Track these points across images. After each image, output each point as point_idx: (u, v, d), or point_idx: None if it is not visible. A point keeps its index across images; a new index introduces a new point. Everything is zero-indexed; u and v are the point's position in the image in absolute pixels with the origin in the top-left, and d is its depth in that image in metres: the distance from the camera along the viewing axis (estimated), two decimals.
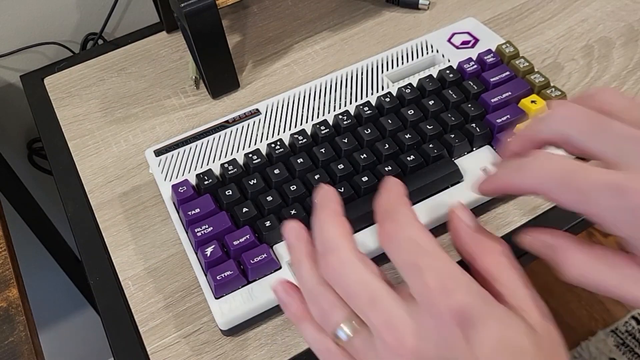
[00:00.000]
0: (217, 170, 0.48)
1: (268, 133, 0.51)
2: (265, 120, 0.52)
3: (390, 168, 0.45)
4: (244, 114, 0.52)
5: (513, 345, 0.28)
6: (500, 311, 0.29)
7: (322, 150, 0.47)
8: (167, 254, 0.49)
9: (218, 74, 0.58)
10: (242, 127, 0.51)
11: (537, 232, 0.34)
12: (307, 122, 0.51)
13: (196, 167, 0.49)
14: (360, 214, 0.43)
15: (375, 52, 0.62)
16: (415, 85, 0.52)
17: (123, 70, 0.65)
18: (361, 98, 0.52)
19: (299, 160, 0.47)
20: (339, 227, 0.33)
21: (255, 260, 0.41)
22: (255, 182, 0.46)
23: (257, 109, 0.52)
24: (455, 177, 0.46)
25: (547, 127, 0.34)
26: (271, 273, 0.42)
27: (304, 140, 0.48)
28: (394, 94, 0.51)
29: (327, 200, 0.34)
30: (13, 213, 0.81)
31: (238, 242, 0.42)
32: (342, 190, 0.45)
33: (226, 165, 0.47)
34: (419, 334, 0.28)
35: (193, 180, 0.47)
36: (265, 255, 0.42)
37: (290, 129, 0.51)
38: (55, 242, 0.90)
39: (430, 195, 0.45)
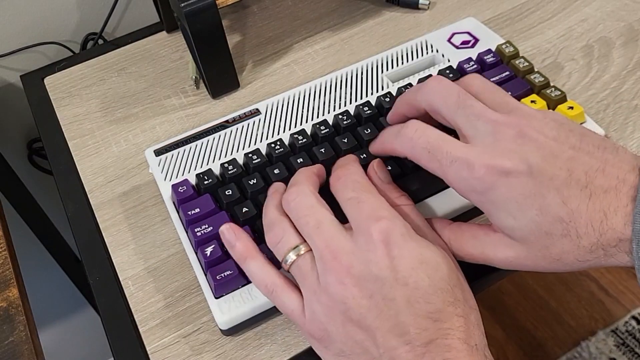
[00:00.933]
0: (217, 170, 0.48)
1: (268, 133, 0.50)
2: (265, 120, 0.51)
3: (390, 168, 0.45)
4: (244, 113, 0.52)
5: (429, 260, 0.34)
6: (418, 237, 0.35)
7: (322, 150, 0.47)
8: (167, 254, 0.49)
9: (218, 73, 0.58)
10: (242, 126, 0.51)
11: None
12: (307, 122, 0.51)
13: (196, 167, 0.48)
14: None
15: (375, 52, 0.62)
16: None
17: (123, 70, 0.65)
18: (361, 98, 0.52)
19: (298, 160, 0.47)
20: (308, 175, 0.40)
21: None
22: (255, 181, 0.46)
23: (257, 109, 0.52)
24: None
25: (420, 97, 0.40)
26: None
27: (304, 140, 0.48)
28: (394, 94, 0.51)
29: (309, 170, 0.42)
30: (13, 213, 0.81)
31: None
32: None
33: (226, 165, 0.47)
34: (353, 253, 0.34)
35: (193, 180, 0.47)
36: (265, 255, 0.42)
37: (290, 129, 0.50)
38: (55, 242, 0.90)
39: (431, 195, 0.45)
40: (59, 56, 0.73)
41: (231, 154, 0.49)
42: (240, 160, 0.48)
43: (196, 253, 0.44)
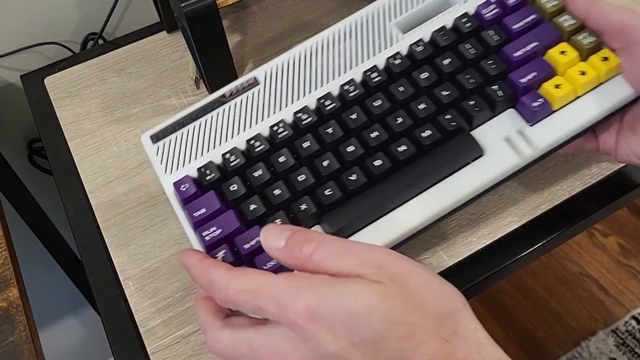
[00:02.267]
0: (218, 160, 0.44)
1: (270, 107, 0.45)
2: (265, 91, 0.46)
3: (405, 148, 0.41)
4: (242, 85, 0.46)
5: (356, 312, 0.30)
6: (333, 287, 0.31)
7: (329, 130, 0.43)
8: (167, 254, 0.49)
9: (218, 73, 0.58)
10: (241, 100, 0.46)
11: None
12: (309, 91, 0.45)
13: (196, 154, 0.44)
14: (374, 203, 0.40)
15: None
16: (427, 41, 0.46)
17: (123, 70, 0.65)
18: (367, 57, 0.46)
19: (304, 145, 0.42)
20: (204, 309, 0.37)
21: (268, 266, 0.38)
22: (260, 173, 0.42)
23: (254, 78, 0.46)
24: (475, 152, 0.41)
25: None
26: None
27: (309, 119, 0.43)
28: (404, 54, 0.45)
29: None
30: (13, 213, 0.81)
31: (249, 245, 0.39)
32: (355, 178, 0.41)
33: (227, 155, 0.43)
34: (296, 349, 0.31)
35: (194, 173, 0.43)
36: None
37: (292, 100, 0.45)
38: (56, 242, 0.90)
39: (449, 175, 0.41)
40: (59, 56, 0.73)
41: (232, 136, 0.45)
42: (242, 147, 0.44)
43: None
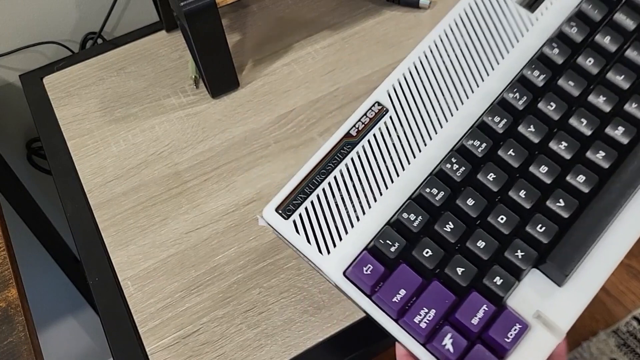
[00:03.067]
0: (381, 222, 0.35)
1: (417, 137, 0.36)
2: (398, 118, 0.37)
3: (603, 153, 0.34)
4: (367, 116, 0.37)
5: None
6: None
7: (511, 152, 0.35)
8: (166, 254, 0.48)
9: (218, 73, 0.58)
10: (374, 137, 0.36)
11: None
12: (456, 107, 0.37)
13: (349, 220, 0.35)
14: (588, 226, 0.34)
15: (376, 51, 0.62)
16: (577, 16, 0.37)
17: (122, 69, 0.65)
18: (505, 49, 0.38)
19: (489, 177, 0.34)
20: None
21: (512, 336, 0.32)
22: (452, 226, 0.34)
23: (378, 103, 0.37)
24: None
25: None
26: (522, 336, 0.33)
27: (483, 145, 0.35)
28: (561, 37, 0.37)
29: None
30: (12, 213, 0.80)
31: (477, 320, 0.32)
32: (562, 204, 0.34)
33: (406, 215, 0.34)
34: None
35: (360, 246, 0.34)
36: (518, 326, 0.32)
37: (441, 123, 0.36)
38: (55, 242, 0.89)
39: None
40: (58, 56, 0.72)
41: (385, 186, 0.35)
42: (415, 199, 0.35)
43: (429, 350, 0.32)
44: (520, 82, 0.36)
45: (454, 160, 0.35)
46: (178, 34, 0.68)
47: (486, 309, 0.32)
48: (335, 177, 0.35)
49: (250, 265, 0.47)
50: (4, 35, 0.70)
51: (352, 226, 0.34)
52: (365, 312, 0.33)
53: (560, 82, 0.36)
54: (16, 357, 0.46)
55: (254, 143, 0.56)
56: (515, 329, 0.32)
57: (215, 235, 0.49)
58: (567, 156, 0.34)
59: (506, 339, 0.32)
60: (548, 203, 0.34)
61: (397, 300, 0.32)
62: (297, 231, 0.34)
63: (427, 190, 0.34)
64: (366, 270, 0.33)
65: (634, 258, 1.36)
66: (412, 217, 0.34)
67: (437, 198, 0.34)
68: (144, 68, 0.65)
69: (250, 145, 0.56)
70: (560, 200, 0.34)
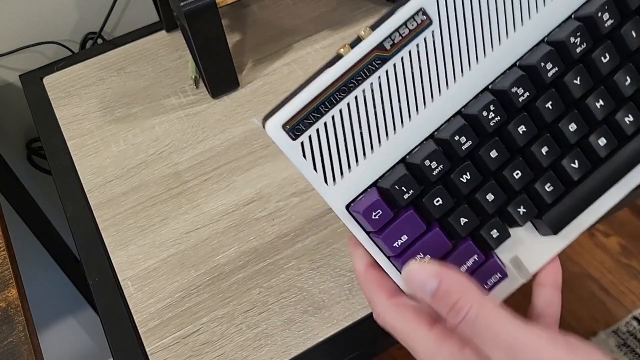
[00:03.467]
0: (393, 159, 0.32)
1: (451, 66, 0.31)
2: (442, 34, 0.31)
3: (631, 119, 0.33)
4: (406, 27, 0.30)
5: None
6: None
7: (548, 105, 0.31)
8: (166, 254, 0.48)
9: (218, 73, 0.58)
10: (410, 54, 0.30)
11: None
12: (513, 29, 0.31)
13: (363, 150, 0.31)
14: (600, 184, 0.33)
15: None
16: None
17: (122, 69, 0.65)
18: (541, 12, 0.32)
19: (519, 130, 0.31)
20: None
21: (491, 284, 0.33)
22: (469, 177, 0.32)
23: (423, 11, 0.30)
24: None
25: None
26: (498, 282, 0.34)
27: (526, 94, 0.31)
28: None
29: None
30: (12, 213, 0.80)
31: (465, 267, 0.33)
32: (577, 166, 0.33)
33: (427, 162, 0.31)
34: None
35: (369, 181, 0.32)
36: (499, 275, 0.33)
37: (486, 51, 0.31)
38: (55, 242, 0.89)
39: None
40: (58, 56, 0.72)
41: (409, 115, 0.31)
42: (439, 140, 0.32)
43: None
44: (586, 25, 0.32)
45: (492, 107, 0.31)
46: (178, 34, 0.68)
47: (476, 258, 0.33)
48: (356, 97, 0.30)
49: (250, 265, 0.47)
50: (4, 35, 0.70)
51: (365, 157, 0.31)
52: (355, 237, 0.32)
53: (594, 54, 0.32)
54: (16, 357, 0.46)
55: (254, 143, 0.56)
56: (495, 278, 0.33)
57: (215, 235, 0.49)
58: (600, 116, 0.32)
59: (485, 286, 0.33)
60: (563, 162, 0.32)
61: (397, 246, 0.31)
62: (304, 155, 0.30)
63: (456, 138, 0.31)
64: (375, 215, 0.31)
65: (634, 258, 1.36)
66: (434, 164, 0.31)
67: (463, 148, 0.31)
68: (144, 68, 0.65)
69: (250, 145, 0.56)
70: (576, 161, 0.32)
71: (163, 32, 0.69)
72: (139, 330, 0.44)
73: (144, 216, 0.51)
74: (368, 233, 0.32)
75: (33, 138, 0.81)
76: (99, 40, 0.73)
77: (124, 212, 0.52)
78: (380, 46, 0.30)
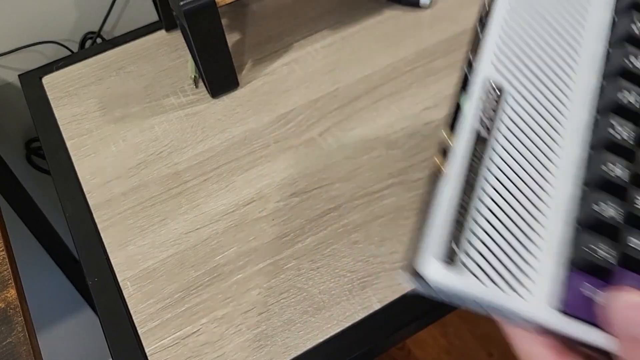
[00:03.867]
0: (563, 227, 0.25)
1: (552, 109, 0.27)
2: (518, 103, 0.27)
3: None
4: (487, 105, 0.26)
5: None
6: None
7: None
8: (165, 255, 0.48)
9: (217, 73, 0.58)
10: (504, 134, 0.26)
11: None
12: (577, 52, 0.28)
13: (528, 238, 0.24)
14: None
15: (376, 50, 0.62)
16: None
17: (122, 69, 0.65)
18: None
19: None
20: None
21: None
22: None
23: (491, 84, 0.27)
24: None
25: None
26: None
27: None
28: None
29: None
30: (11, 213, 0.80)
31: None
32: None
33: (598, 208, 0.24)
34: None
35: (560, 268, 0.24)
36: None
37: (568, 75, 0.28)
38: (54, 243, 0.89)
39: None
40: (58, 55, 0.72)
41: (548, 178, 0.26)
42: (578, 176, 0.26)
43: None
44: None
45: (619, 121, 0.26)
46: (178, 33, 0.68)
47: None
48: (483, 189, 0.24)
49: (249, 266, 0.47)
50: (3, 35, 0.70)
51: (533, 242, 0.24)
52: (593, 345, 0.23)
53: None
54: (15, 357, 0.46)
55: (254, 143, 0.56)
56: None
57: (215, 235, 0.49)
58: None
59: None
60: None
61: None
62: (479, 278, 0.23)
63: (606, 167, 0.25)
64: (586, 296, 0.23)
65: None
66: (604, 207, 0.25)
67: (619, 174, 0.25)
68: (144, 68, 0.65)
69: (250, 145, 0.55)
70: None
71: (162, 31, 0.69)
72: (139, 331, 0.44)
73: (143, 216, 0.51)
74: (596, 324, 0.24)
75: (32, 138, 0.80)
76: (98, 40, 0.73)
77: (123, 212, 0.51)
78: (479, 138, 0.25)
